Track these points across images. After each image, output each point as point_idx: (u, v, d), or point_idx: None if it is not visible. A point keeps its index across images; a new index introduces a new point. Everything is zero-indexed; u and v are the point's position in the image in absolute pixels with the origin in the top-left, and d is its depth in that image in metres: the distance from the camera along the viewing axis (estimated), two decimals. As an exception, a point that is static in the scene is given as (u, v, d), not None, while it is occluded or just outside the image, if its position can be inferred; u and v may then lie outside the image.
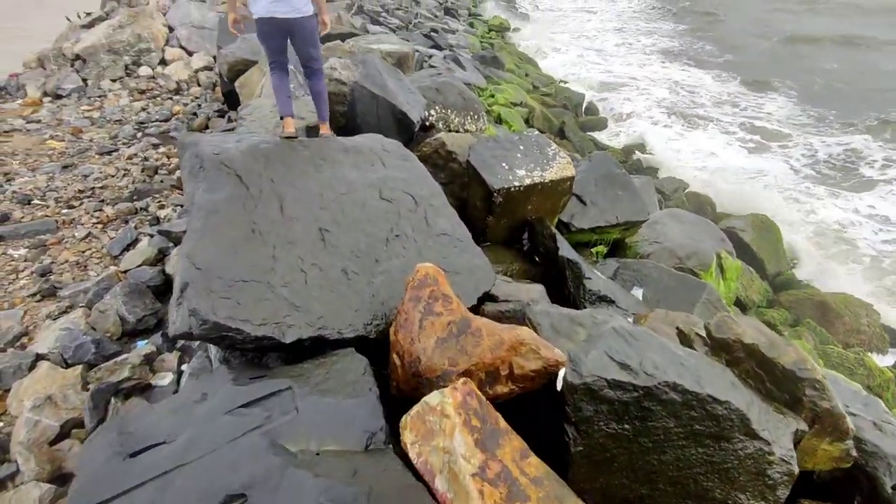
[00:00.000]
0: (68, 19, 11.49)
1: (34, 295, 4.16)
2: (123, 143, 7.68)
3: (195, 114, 8.87)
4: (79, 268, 4.61)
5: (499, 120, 9.10)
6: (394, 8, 16.66)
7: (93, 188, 6.26)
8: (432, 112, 4.56)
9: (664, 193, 7.54)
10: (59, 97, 9.73)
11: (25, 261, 4.70)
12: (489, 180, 3.49)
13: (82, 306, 4.02)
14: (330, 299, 2.50)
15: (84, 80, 9.95)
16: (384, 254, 2.74)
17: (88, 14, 11.44)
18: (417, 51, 9.90)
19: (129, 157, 7.11)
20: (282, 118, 3.80)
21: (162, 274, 4.35)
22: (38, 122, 8.51)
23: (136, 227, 5.24)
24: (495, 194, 3.51)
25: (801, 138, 12.69)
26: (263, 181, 2.89)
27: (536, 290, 2.98)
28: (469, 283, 2.83)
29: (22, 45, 14.46)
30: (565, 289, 3.23)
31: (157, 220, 5.26)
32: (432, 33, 13.65)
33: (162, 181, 6.52)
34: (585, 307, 3.06)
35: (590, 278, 3.13)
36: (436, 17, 18.93)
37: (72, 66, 10.24)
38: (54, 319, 3.91)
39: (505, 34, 21.17)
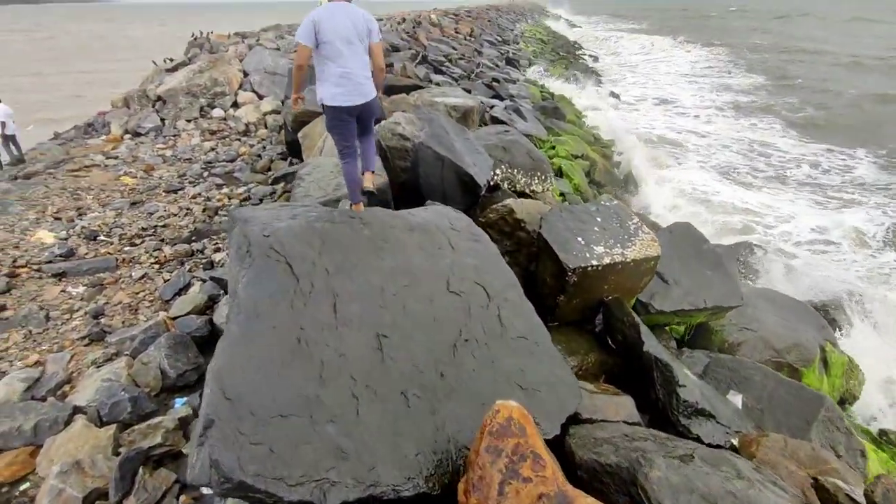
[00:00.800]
0: (154, 63, 12.36)
1: (84, 338, 4.10)
2: (190, 182, 7.91)
3: (259, 155, 9.11)
4: (130, 310, 4.56)
5: (559, 173, 8.80)
6: (456, 58, 17.02)
7: (155, 226, 6.38)
8: (498, 171, 4.28)
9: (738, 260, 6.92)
10: (138, 135, 10.33)
11: (82, 300, 4.72)
12: (564, 258, 3.11)
13: (127, 354, 3.91)
14: (386, 438, 2.03)
15: (162, 120, 10.55)
16: (451, 366, 2.32)
17: (172, 59, 12.25)
18: (466, 91, 9.87)
19: (194, 197, 7.28)
20: (352, 206, 3.75)
21: (209, 324, 4.20)
22: (116, 157, 8.99)
23: (189, 271, 5.21)
24: (570, 273, 3.12)
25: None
26: (317, 272, 2.58)
27: (626, 406, 2.54)
28: (551, 401, 2.37)
29: (117, 86, 15.76)
30: (653, 392, 2.76)
31: (211, 265, 5.21)
32: (493, 83, 13.72)
33: (221, 222, 6.57)
34: (679, 420, 2.58)
35: (684, 386, 2.62)
36: (497, 66, 19.21)
37: (153, 106, 10.92)
38: (98, 367, 3.81)
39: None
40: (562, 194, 6.86)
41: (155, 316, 4.17)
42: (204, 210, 6.82)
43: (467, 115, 5.64)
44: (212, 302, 4.65)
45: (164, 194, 7.44)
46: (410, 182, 3.85)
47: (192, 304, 4.50)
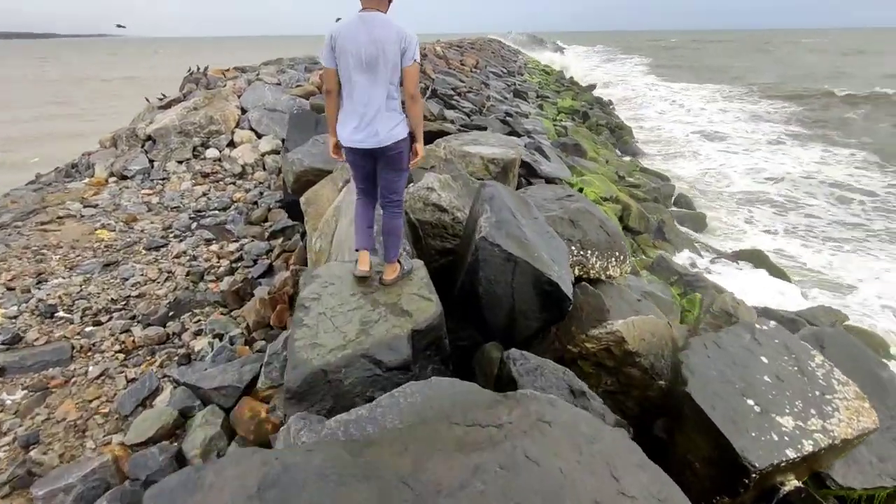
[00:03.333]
0: (147, 100, 11.56)
1: (2, 486, 3.01)
2: (175, 237, 6.92)
3: (256, 203, 8.16)
4: (76, 433, 3.48)
5: (593, 221, 7.78)
6: (465, 91, 16.31)
7: (127, 297, 5.35)
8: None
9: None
10: (124, 178, 9.41)
11: (15, 414, 3.64)
12: (743, 450, 1.92)
13: (57, 515, 2.82)
14: None
15: (151, 162, 9.64)
16: None
17: (165, 95, 11.46)
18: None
19: (178, 256, 6.27)
20: (357, 250, 3.12)
21: (174, 461, 3.12)
22: (96, 206, 8.02)
23: (160, 366, 4.16)
24: (753, 473, 1.92)
25: None
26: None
27: None
28: None
29: (109, 124, 14.98)
30: None
31: (187, 359, 4.15)
32: (507, 118, 12.93)
33: (206, 289, 5.54)
34: None
35: None
36: (506, 98, 18.54)
37: (142, 146, 10.03)
38: (13, 538, 2.72)
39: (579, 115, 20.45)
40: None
41: (100, 457, 3.08)
42: (188, 274, 5.80)
43: (507, 170, 4.64)
44: (183, 418, 3.59)
45: (143, 252, 6.44)
46: (466, 292, 2.91)
47: (158, 424, 3.43)
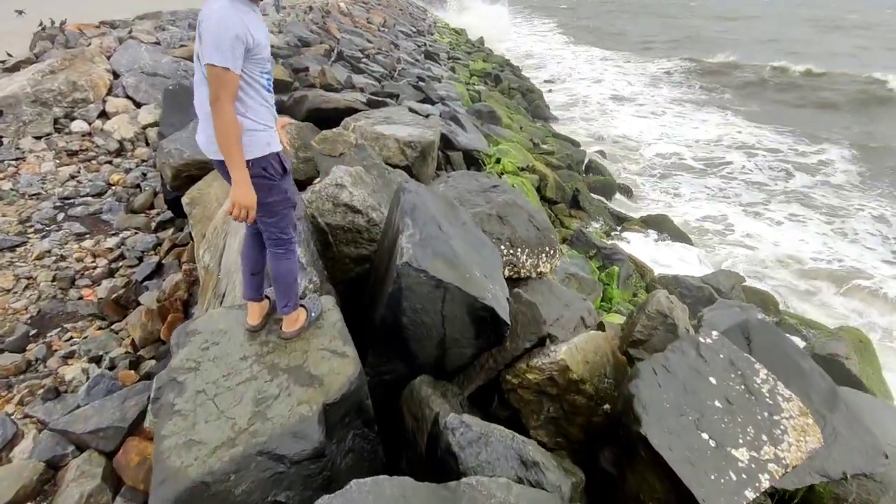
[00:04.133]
0: (-13, 61, 9.58)
1: None
2: (36, 232, 5.83)
3: (138, 186, 7.12)
4: None
5: (512, 194, 7.69)
6: (374, 52, 15.38)
7: (-27, 315, 4.40)
8: (497, 259, 3.02)
9: (720, 291, 6.27)
10: (-37, 158, 7.77)
11: None
12: (703, 499, 1.79)
13: None
14: None
15: (-1, 138, 8.03)
16: None
17: (10, 55, 9.58)
18: (413, 111, 8.52)
19: (39, 256, 5.27)
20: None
21: (42, 533, 2.57)
22: (-75, 196, 6.54)
23: (21, 403, 3.44)
24: None
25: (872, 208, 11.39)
26: None
27: None
28: None
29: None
30: None
31: (55, 392, 3.45)
32: (420, 83, 12.36)
33: (80, 298, 4.71)
34: None
35: None
36: (417, 61, 17.81)
37: (-15, 119, 8.31)
38: None
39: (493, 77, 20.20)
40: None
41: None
42: (54, 279, 4.90)
43: (426, 154, 4.20)
44: (53, 470, 2.99)
45: (-7, 254, 5.34)
46: (388, 322, 2.37)
47: (18, 485, 2.82)
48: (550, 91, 23.69)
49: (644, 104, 21.54)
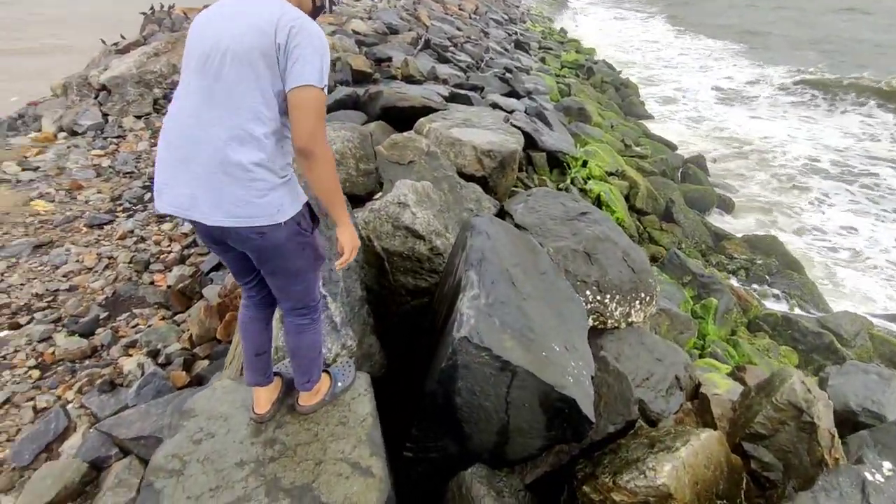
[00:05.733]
0: (103, 42, 10.29)
1: None
2: (124, 211, 6.07)
3: (220, 170, 7.26)
4: (-45, 493, 2.81)
5: (598, 202, 7.04)
6: (462, 41, 14.95)
7: (56, 291, 4.59)
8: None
9: (841, 338, 5.27)
10: (75, 133, 8.38)
11: None
12: None
13: None
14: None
15: (105, 116, 8.58)
16: None
17: (124, 38, 10.20)
18: (496, 106, 8.03)
19: (122, 236, 5.46)
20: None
21: (72, 546, 2.48)
22: (36, 169, 7.07)
23: (79, 391, 3.45)
24: None
25: None
26: None
27: None
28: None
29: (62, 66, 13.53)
30: None
31: (111, 385, 3.43)
32: (507, 74, 11.79)
33: (152, 283, 4.78)
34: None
35: None
36: (506, 50, 17.15)
37: (95, 97, 8.92)
38: None
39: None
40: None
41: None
42: (131, 261, 5.01)
43: (505, 165, 3.72)
44: (96, 471, 2.93)
45: (84, 231, 5.61)
46: (439, 401, 1.86)
47: (60, 484, 2.77)
48: (651, 82, 21.91)
49: (758, 106, 19.28)
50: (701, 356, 4.42)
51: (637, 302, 2.77)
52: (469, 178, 3.57)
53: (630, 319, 2.76)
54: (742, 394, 2.37)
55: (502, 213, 3.20)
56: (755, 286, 7.17)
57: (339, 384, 2.08)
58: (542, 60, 18.60)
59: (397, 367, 2.07)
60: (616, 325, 2.73)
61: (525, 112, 8.74)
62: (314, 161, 1.56)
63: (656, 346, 2.71)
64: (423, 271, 2.50)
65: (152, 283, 4.78)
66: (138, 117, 8.68)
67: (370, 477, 1.78)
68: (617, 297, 2.69)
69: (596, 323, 2.69)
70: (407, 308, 2.56)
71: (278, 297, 1.87)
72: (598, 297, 2.65)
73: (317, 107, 1.54)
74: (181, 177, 1.61)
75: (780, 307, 6.06)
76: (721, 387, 2.64)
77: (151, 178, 6.97)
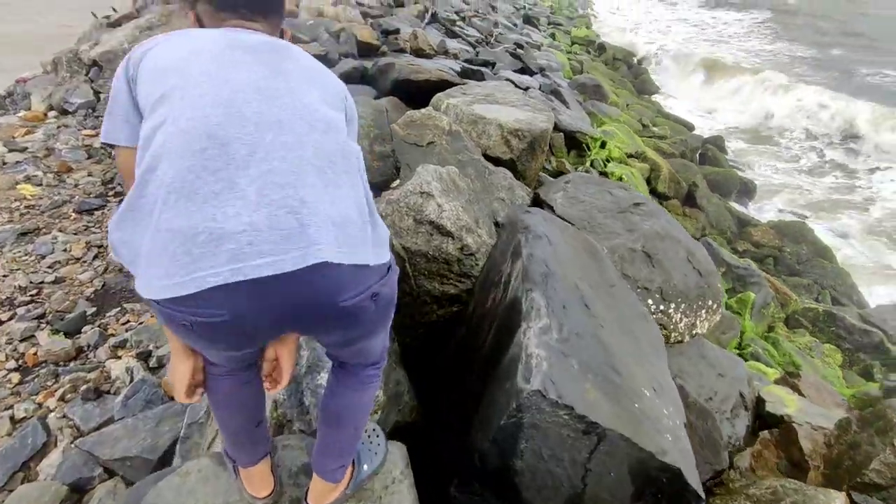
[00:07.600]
0: (94, 15, 9.77)
1: None
2: (116, 195, 5.69)
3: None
4: (-81, 520, 2.49)
5: (619, 186, 6.60)
6: (470, 16, 14.31)
7: (41, 283, 4.24)
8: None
9: (888, 335, 4.89)
10: (65, 112, 7.95)
11: None
12: None
13: None
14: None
15: (96, 94, 8.12)
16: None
17: (115, 10, 9.68)
18: (510, 81, 7.55)
19: (114, 223, 5.08)
20: (237, 467, 1.52)
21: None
22: (25, 150, 6.67)
23: (62, 399, 3.12)
24: None
25: None
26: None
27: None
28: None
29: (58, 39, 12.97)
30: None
31: (96, 392, 3.09)
32: (518, 50, 11.23)
33: (144, 274, 4.40)
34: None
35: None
36: (515, 26, 16.48)
37: (86, 74, 8.46)
38: None
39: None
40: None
41: None
42: (122, 251, 4.63)
43: (535, 146, 3.27)
44: (78, 494, 2.62)
45: (72, 217, 5.24)
46: (493, 462, 1.39)
47: (35, 511, 2.45)
48: (664, 51, 21.02)
49: (784, 78, 18.29)
50: (740, 355, 4.06)
51: (703, 311, 2.38)
52: (495, 161, 3.14)
53: (694, 332, 2.38)
54: (839, 426, 2.00)
55: (537, 203, 2.79)
56: (783, 277, 6.78)
57: (366, 467, 1.50)
58: (552, 36, 17.91)
59: (425, 401, 1.65)
60: (679, 339, 2.35)
61: (539, 89, 8.27)
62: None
63: (717, 359, 2.32)
64: (451, 275, 2.08)
65: (145, 274, 4.42)
66: (132, 95, 8.23)
67: None
68: (682, 305, 2.29)
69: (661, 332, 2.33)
70: (433, 318, 2.16)
71: (353, 360, 1.35)
72: (662, 307, 2.25)
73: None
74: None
75: (811, 299, 5.66)
76: (790, 406, 2.27)
77: (145, 160, 6.60)
